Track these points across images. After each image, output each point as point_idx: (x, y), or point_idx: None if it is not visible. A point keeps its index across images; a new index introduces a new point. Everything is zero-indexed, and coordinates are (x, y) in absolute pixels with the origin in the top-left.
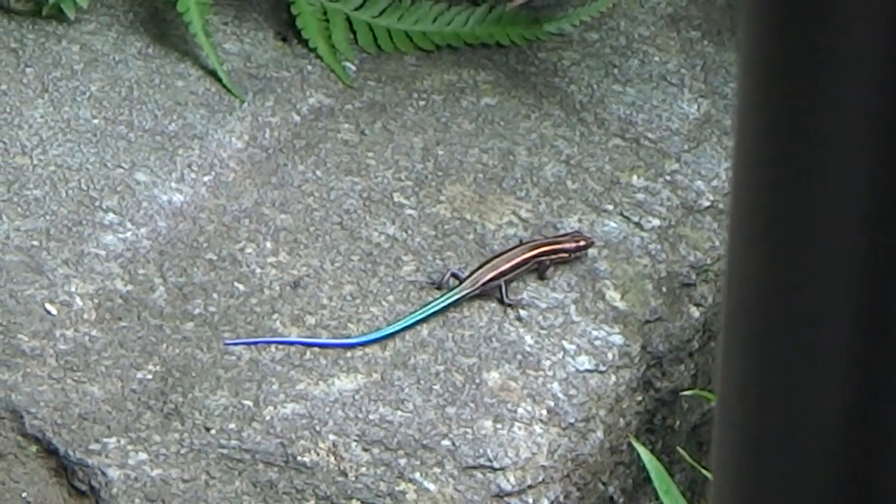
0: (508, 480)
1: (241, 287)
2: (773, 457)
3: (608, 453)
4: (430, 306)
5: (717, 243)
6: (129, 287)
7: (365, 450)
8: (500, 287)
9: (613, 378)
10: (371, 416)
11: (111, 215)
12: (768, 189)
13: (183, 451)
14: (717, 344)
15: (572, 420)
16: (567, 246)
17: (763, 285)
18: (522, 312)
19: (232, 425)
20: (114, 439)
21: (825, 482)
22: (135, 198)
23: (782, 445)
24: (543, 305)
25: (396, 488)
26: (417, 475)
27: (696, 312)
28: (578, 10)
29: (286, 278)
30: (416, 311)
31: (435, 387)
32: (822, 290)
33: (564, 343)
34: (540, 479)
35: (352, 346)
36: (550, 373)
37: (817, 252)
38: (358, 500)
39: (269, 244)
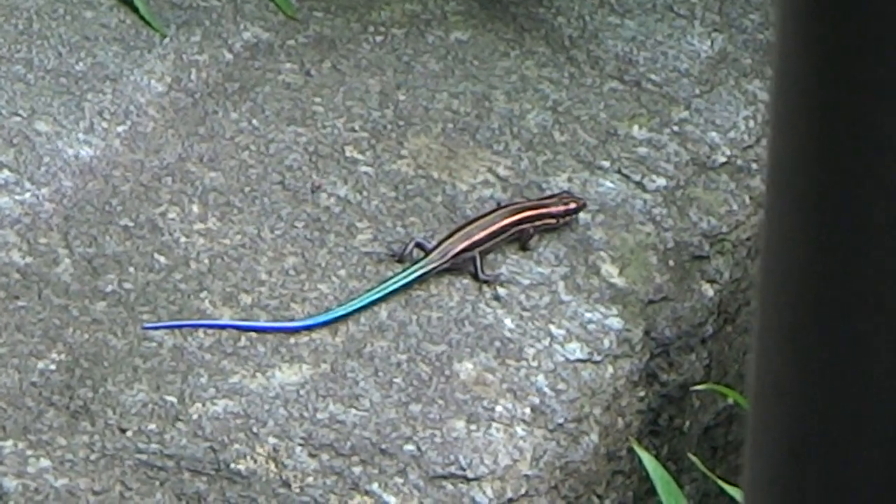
0: (484, 492)
1: (163, 259)
2: (817, 468)
3: (604, 460)
4: (389, 283)
5: (734, 207)
6: (28, 259)
7: (312, 455)
8: (473, 260)
9: (610, 369)
10: (319, 415)
11: (6, 172)
12: (817, 168)
13: (93, 456)
14: (752, 337)
15: (561, 420)
16: (554, 210)
17: (808, 270)
18: (501, 290)
19: (152, 426)
20: (10, 442)
21: (877, 495)
22: (34, 152)
23: (828, 454)
24: (526, 282)
25: (350, 502)
26: (375, 486)
27: (709, 290)
28: None
29: (216, 249)
30: (373, 288)
31: (396, 380)
32: (880, 275)
33: (551, 327)
34: (522, 490)
35: (296, 331)
36: (535, 363)
37: (874, 235)
38: None
39: (195, 208)
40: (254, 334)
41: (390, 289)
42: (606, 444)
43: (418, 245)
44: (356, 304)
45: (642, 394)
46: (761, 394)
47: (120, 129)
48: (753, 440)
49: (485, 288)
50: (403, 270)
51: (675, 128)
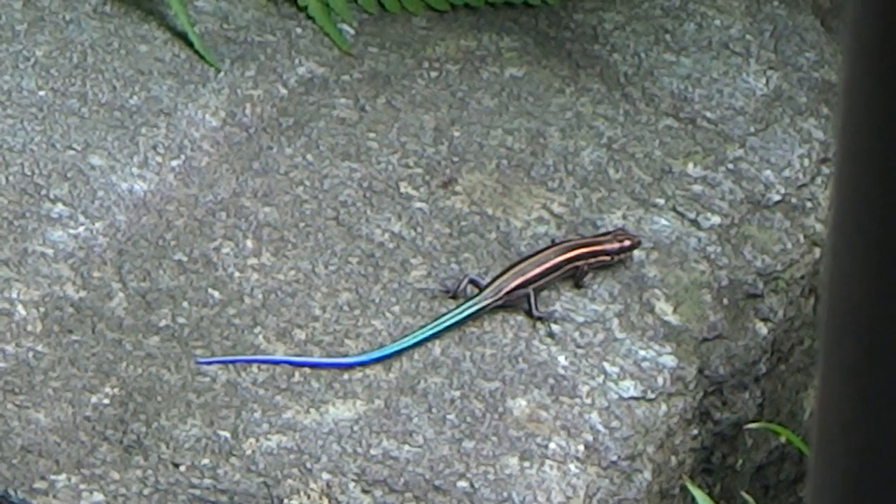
0: None
1: (217, 294)
2: None
3: (657, 498)
4: (443, 319)
5: (788, 245)
6: (82, 293)
7: (365, 491)
8: (527, 297)
9: (664, 407)
10: (373, 451)
11: (60, 206)
12: (883, 206)
13: (146, 491)
14: (816, 373)
15: (614, 458)
16: (609, 247)
17: (876, 304)
18: (555, 328)
19: (205, 461)
20: (63, 476)
21: None
22: (88, 186)
23: (890, 494)
24: (580, 319)
25: None
26: None
27: (763, 329)
28: None
29: (270, 284)
30: (427, 324)
31: (449, 416)
32: None
33: (605, 365)
34: None
35: (350, 367)
36: (588, 400)
37: None
38: None
39: (249, 243)
40: (308, 370)
41: (444, 325)
42: (659, 483)
43: (472, 282)
44: (410, 340)
45: (695, 432)
46: (825, 433)
47: (174, 163)
48: (815, 481)
49: (538, 325)
50: (457, 307)
51: (730, 165)
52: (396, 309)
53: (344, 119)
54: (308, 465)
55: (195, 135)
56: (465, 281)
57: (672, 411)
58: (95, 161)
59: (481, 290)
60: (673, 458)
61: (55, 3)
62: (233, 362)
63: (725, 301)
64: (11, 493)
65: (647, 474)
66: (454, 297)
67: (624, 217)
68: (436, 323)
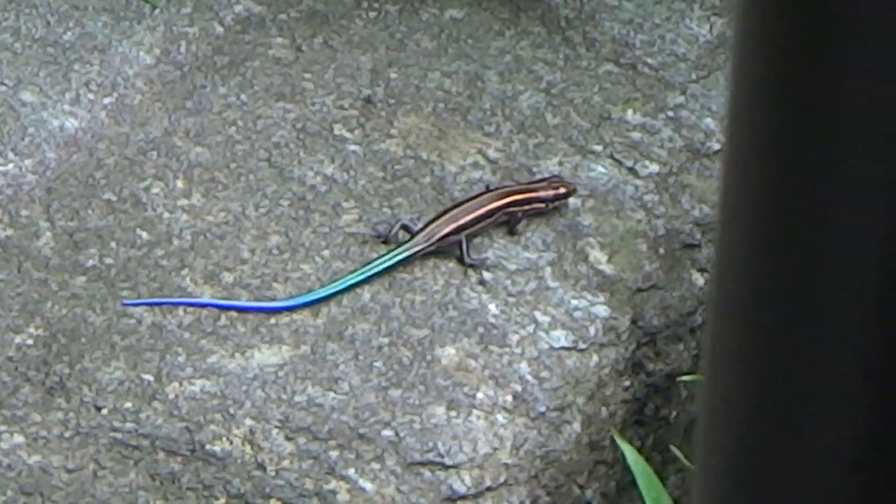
0: (462, 480)
1: (145, 235)
2: (764, 489)
3: (586, 450)
4: (373, 264)
5: None
6: (9, 232)
7: (288, 438)
8: (460, 243)
9: (595, 358)
10: (297, 398)
11: None
12: (772, 170)
13: (67, 433)
14: (703, 355)
15: (543, 409)
16: (543, 194)
17: (761, 281)
18: (486, 275)
19: (128, 404)
20: None
21: None
22: (18, 122)
23: (777, 476)
24: (512, 267)
25: (325, 486)
26: (352, 471)
27: (699, 279)
28: None
29: (199, 226)
30: (357, 270)
31: (376, 364)
32: (834, 288)
33: (536, 314)
34: (501, 479)
35: (277, 311)
36: (518, 350)
37: (829, 243)
38: (278, 499)
39: (180, 183)
40: (234, 314)
41: (374, 271)
42: (589, 434)
43: (404, 227)
44: (339, 285)
45: (628, 383)
46: (710, 408)
47: (106, 101)
48: (701, 455)
49: (470, 272)
50: (388, 252)
51: (670, 113)
52: (326, 253)
53: (279, 59)
54: (231, 411)
55: (128, 72)
56: (398, 226)
57: (604, 362)
58: (26, 97)
59: (413, 235)
60: (603, 410)
61: None
62: (159, 304)
63: (662, 251)
64: None
65: (577, 426)
66: (385, 241)
67: (560, 163)
68: (366, 268)
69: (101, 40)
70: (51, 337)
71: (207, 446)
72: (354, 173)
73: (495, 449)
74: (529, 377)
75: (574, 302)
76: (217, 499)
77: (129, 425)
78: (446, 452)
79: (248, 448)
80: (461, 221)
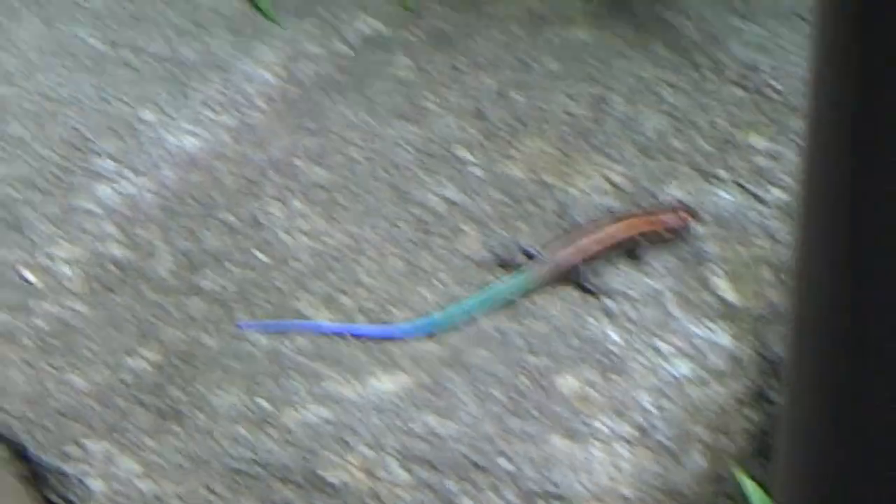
0: None
1: (262, 257)
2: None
3: (708, 482)
4: (494, 291)
5: None
6: (126, 252)
7: (405, 468)
8: (580, 269)
9: (718, 388)
10: (414, 427)
11: (107, 161)
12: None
13: (180, 459)
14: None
15: (664, 439)
16: (667, 221)
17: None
18: (608, 303)
19: (242, 430)
20: (97, 442)
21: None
22: (137, 140)
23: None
24: (634, 295)
25: None
26: (469, 502)
27: None
28: None
29: (317, 248)
30: (478, 295)
31: (494, 392)
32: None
33: (658, 343)
34: None
35: (396, 338)
36: (639, 379)
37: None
38: None
39: (298, 204)
40: (352, 339)
41: (495, 297)
42: (711, 466)
43: (525, 252)
44: (459, 311)
45: (751, 414)
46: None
47: (226, 119)
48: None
49: (591, 300)
50: (509, 278)
51: (796, 138)
52: (445, 278)
53: (403, 79)
54: (347, 439)
55: (250, 91)
56: (519, 251)
57: (727, 393)
58: (146, 115)
59: (534, 260)
60: (726, 441)
61: None
62: (275, 329)
63: (785, 278)
64: (44, 457)
65: (698, 457)
66: (506, 267)
67: (684, 189)
68: (486, 294)
69: (222, 58)
70: (165, 360)
71: (322, 475)
72: (475, 197)
73: (614, 480)
74: (650, 407)
75: (696, 331)
76: None
77: (243, 452)
78: (564, 483)
79: (363, 477)
80: (583, 247)
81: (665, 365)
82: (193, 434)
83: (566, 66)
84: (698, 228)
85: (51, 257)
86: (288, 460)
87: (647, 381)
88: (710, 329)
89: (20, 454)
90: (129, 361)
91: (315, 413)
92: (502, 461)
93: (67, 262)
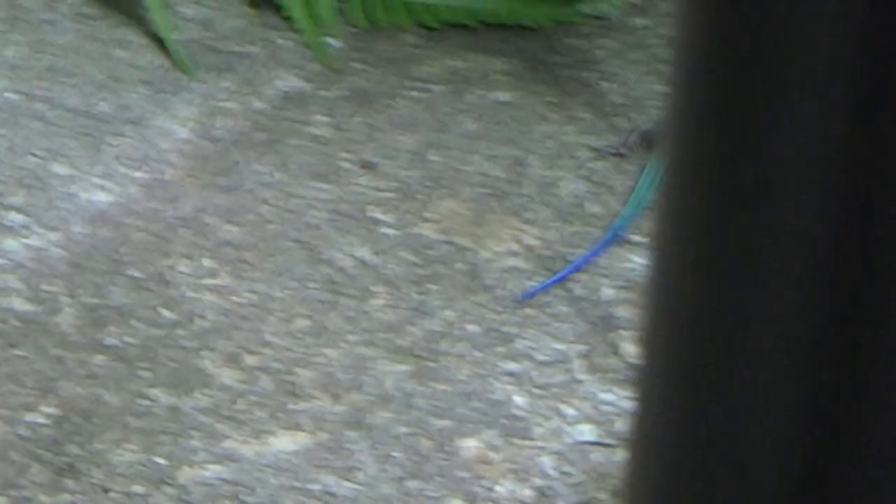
0: None
1: (168, 314)
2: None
3: None
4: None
5: None
6: (29, 307)
7: None
8: None
9: (622, 453)
10: (311, 486)
11: (15, 215)
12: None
13: None
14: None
15: None
16: None
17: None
18: (514, 366)
19: (138, 488)
20: None
21: None
22: (47, 194)
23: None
24: (541, 358)
25: None
26: None
27: None
28: None
29: (224, 306)
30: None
31: (395, 454)
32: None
33: (563, 407)
34: None
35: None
36: (543, 444)
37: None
38: None
39: (207, 262)
40: (253, 398)
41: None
42: None
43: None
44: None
45: None
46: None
47: (138, 175)
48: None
49: (499, 362)
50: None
51: None
52: (352, 338)
53: (318, 137)
54: (243, 498)
55: (163, 146)
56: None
57: None
58: (58, 169)
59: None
60: None
61: (34, 2)
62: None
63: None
64: None
65: None
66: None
67: (598, 253)
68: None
69: (138, 112)
70: (64, 416)
71: None
72: (387, 257)
73: None
74: (552, 472)
75: (603, 396)
76: None
77: None
78: None
79: None
80: None
81: (569, 429)
82: (89, 491)
83: (486, 127)
84: (609, 293)
85: None
86: None
87: (550, 446)
88: (616, 394)
89: None
90: (28, 417)
91: (212, 472)
92: None
93: None
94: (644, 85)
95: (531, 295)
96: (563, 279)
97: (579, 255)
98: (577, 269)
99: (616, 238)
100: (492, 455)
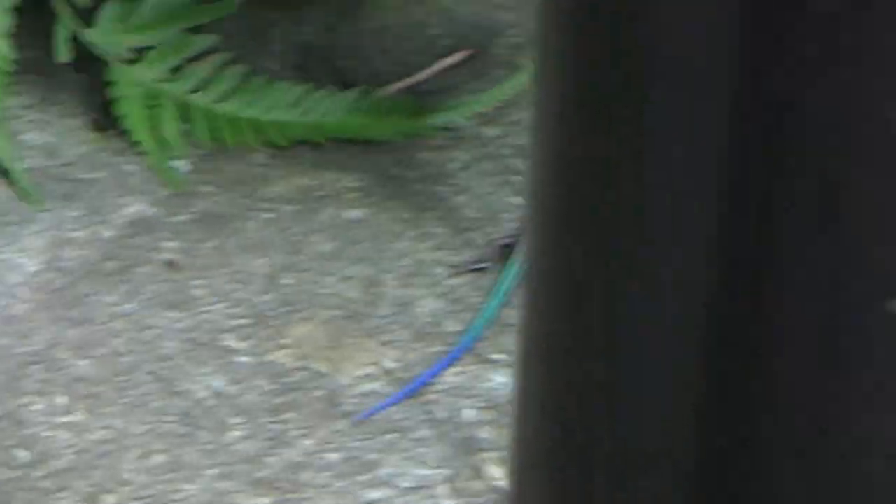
0: None
1: (24, 455)
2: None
3: None
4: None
5: None
6: None
7: None
8: None
9: None
10: None
11: None
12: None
13: None
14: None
15: None
16: None
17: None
18: (378, 494)
19: None
20: None
21: None
22: None
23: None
24: (404, 484)
25: None
26: None
27: None
28: (474, 98)
29: (80, 444)
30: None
31: None
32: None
33: None
34: None
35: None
36: None
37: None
38: None
39: (60, 399)
40: None
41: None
42: None
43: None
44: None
45: None
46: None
47: None
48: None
49: (360, 492)
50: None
51: None
52: (210, 472)
53: (170, 264)
54: None
55: (12, 280)
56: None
57: None
58: None
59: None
60: None
61: None
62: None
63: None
64: None
65: None
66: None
67: (461, 373)
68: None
69: None
70: None
71: None
72: (243, 387)
73: None
74: None
75: None
76: None
77: None
78: None
79: None
80: None
81: None
82: None
83: (339, 247)
84: (472, 414)
85: None
86: None
87: None
88: None
89: None
90: None
91: None
92: None
93: None
94: (498, 197)
95: (369, 415)
96: (410, 395)
97: (423, 374)
98: (424, 385)
99: (465, 351)
100: None
